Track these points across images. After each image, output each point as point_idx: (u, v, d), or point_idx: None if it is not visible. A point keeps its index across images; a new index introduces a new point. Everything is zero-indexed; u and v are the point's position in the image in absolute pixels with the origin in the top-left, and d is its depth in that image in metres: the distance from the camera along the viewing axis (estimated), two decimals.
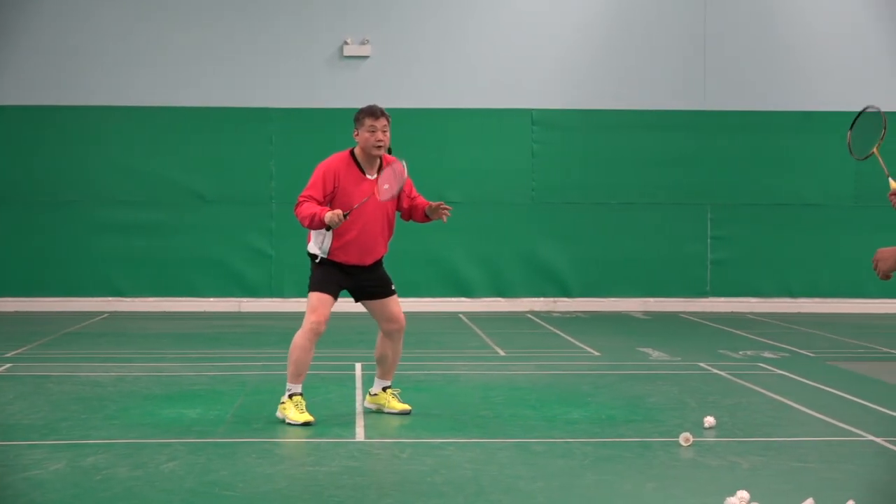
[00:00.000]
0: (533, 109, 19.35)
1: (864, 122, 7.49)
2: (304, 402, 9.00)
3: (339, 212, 8.67)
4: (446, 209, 9.07)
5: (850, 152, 7.63)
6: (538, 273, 19.32)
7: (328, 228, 8.82)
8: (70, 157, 18.84)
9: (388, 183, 8.85)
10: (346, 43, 19.14)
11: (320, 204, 8.89)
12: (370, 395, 9.64)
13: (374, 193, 8.85)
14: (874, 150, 7.28)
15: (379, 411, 9.52)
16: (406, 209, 9.27)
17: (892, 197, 6.82)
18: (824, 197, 19.45)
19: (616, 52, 19.52)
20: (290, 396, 8.99)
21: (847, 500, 6.49)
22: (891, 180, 6.99)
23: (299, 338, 8.93)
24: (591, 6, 19.52)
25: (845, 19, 19.71)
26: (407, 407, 9.49)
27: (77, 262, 18.78)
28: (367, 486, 7.02)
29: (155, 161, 18.94)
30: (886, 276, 5.93)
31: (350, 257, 9.04)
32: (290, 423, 8.90)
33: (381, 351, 9.41)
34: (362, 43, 19.18)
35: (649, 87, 19.51)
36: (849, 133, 7.50)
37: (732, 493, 6.58)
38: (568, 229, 19.33)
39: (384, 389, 9.54)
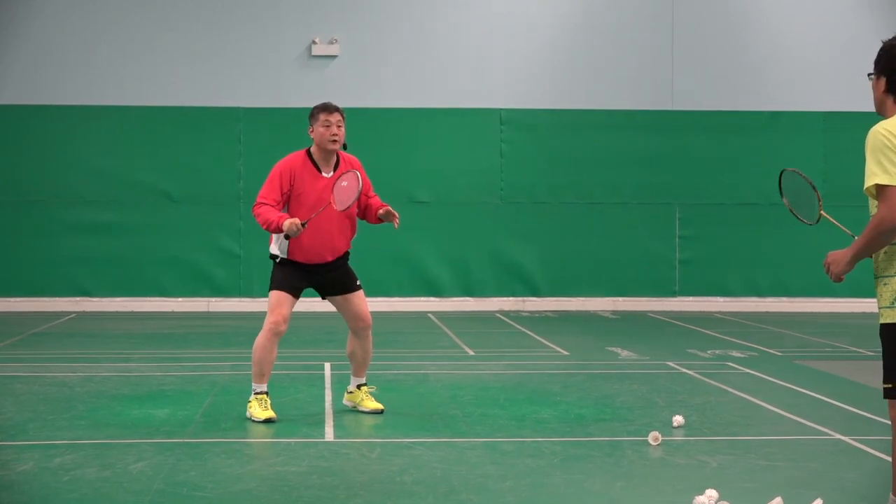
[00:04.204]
0: (501, 109, 19.37)
1: (789, 183, 6.89)
2: (268, 401, 9.11)
3: (296, 221, 8.69)
4: (395, 216, 9.02)
5: (800, 219, 6.91)
6: (507, 272, 19.34)
7: (287, 237, 8.87)
8: (37, 156, 18.73)
9: (344, 193, 8.81)
10: (314, 42, 19.11)
11: (277, 203, 8.92)
12: (347, 392, 9.68)
13: (330, 203, 8.81)
14: (821, 213, 6.75)
15: (354, 409, 9.53)
16: (361, 208, 9.22)
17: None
18: None
19: (584, 53, 19.56)
20: (256, 395, 9.10)
21: (815, 499, 6.52)
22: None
23: (260, 338, 9.00)
24: (559, 6, 19.56)
25: (812, 20, 19.82)
26: (379, 406, 9.49)
27: (44, 262, 18.66)
28: (336, 486, 7.01)
29: (123, 161, 18.85)
30: (839, 279, 5.93)
31: (308, 256, 9.05)
32: (254, 421, 8.99)
33: (351, 348, 9.44)
34: (330, 42, 19.15)
35: (617, 87, 19.56)
36: (784, 201, 6.83)
37: (701, 492, 6.61)
38: (537, 229, 19.35)
39: (359, 387, 9.56)
